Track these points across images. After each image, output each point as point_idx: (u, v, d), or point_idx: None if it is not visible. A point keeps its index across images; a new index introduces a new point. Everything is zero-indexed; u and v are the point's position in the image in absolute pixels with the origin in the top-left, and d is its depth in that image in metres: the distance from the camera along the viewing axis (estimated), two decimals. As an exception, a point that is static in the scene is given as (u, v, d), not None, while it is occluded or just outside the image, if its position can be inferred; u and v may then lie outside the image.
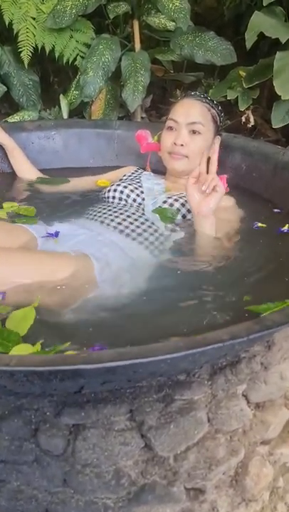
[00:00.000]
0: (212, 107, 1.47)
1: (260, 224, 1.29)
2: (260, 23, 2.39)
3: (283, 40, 2.36)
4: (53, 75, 3.26)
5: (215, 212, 1.27)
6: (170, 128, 1.45)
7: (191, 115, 1.42)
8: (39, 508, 0.79)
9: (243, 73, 2.68)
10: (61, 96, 2.80)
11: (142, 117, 2.93)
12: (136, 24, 2.72)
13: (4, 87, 2.63)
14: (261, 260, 1.13)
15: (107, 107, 2.89)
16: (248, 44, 2.41)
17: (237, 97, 2.54)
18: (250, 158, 1.53)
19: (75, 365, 0.63)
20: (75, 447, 0.78)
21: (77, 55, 2.70)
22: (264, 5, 2.43)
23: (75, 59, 2.70)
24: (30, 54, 2.53)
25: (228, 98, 2.55)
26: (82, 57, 2.70)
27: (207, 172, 1.25)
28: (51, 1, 2.68)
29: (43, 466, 0.78)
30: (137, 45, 2.76)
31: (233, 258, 1.16)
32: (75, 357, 0.65)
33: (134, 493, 0.78)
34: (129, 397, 0.80)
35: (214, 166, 1.24)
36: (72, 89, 2.84)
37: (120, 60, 2.67)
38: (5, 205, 1.33)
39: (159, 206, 1.37)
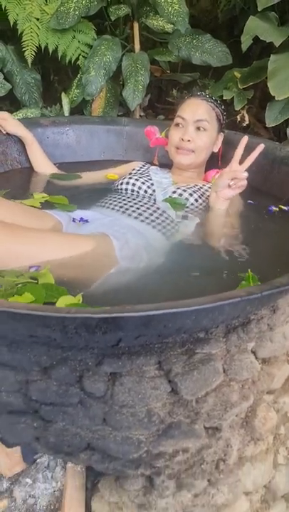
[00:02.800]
0: (216, 106, 1.66)
1: (275, 208, 1.51)
2: (255, 28, 2.58)
3: (277, 44, 2.55)
4: (53, 73, 3.42)
5: None
6: (178, 125, 1.63)
7: (198, 113, 1.60)
8: (82, 443, 0.96)
9: (238, 74, 2.88)
10: (63, 94, 2.96)
11: (140, 116, 3.11)
12: (136, 26, 2.90)
13: (9, 84, 2.78)
14: (254, 236, 1.34)
15: (107, 105, 3.06)
16: (244, 47, 2.60)
17: (233, 97, 2.73)
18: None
19: (123, 313, 0.81)
20: (113, 391, 0.95)
21: (80, 55, 2.86)
22: (259, 10, 2.62)
23: (77, 59, 2.86)
24: (34, 53, 2.69)
25: (224, 98, 2.74)
26: (84, 57, 2.86)
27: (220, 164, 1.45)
28: (54, 3, 2.84)
29: (86, 407, 0.95)
30: (137, 46, 2.94)
31: (238, 237, 1.35)
32: (122, 307, 0.82)
33: (163, 430, 0.96)
34: (158, 351, 0.98)
35: (247, 164, 1.42)
36: (74, 87, 3.00)
37: (121, 60, 2.84)
38: (36, 195, 1.50)
39: (169, 196, 1.55)
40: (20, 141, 1.76)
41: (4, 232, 1.13)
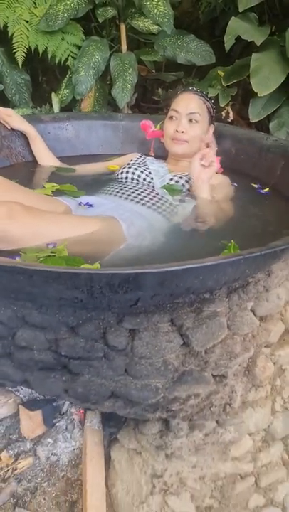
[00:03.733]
0: (207, 100, 1.84)
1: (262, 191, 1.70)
2: (237, 28, 2.77)
3: (258, 43, 2.75)
4: (42, 74, 3.58)
5: (215, 188, 1.64)
6: (172, 117, 1.81)
7: (190, 106, 1.78)
8: (106, 392, 1.12)
9: (221, 73, 3.07)
10: (53, 94, 3.11)
11: (127, 113, 3.27)
12: (123, 27, 3.07)
13: (1, 85, 2.93)
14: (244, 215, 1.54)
15: (96, 104, 3.23)
16: (227, 46, 2.79)
17: (217, 94, 2.92)
18: (238, 143, 1.91)
19: (145, 269, 0.97)
20: (133, 345, 1.11)
21: (69, 55, 3.02)
22: (239, 11, 2.81)
23: (66, 59, 3.01)
24: (24, 55, 2.84)
25: (209, 95, 2.93)
26: (73, 58, 3.01)
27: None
28: (43, 6, 3.00)
29: (110, 359, 1.11)
30: (124, 47, 3.11)
31: (230, 217, 1.54)
32: (142, 266, 0.98)
33: (177, 377, 1.12)
34: (170, 310, 1.14)
35: (214, 148, 1.61)
36: (63, 87, 3.15)
37: (109, 60, 3.01)
38: (46, 185, 1.65)
39: (167, 183, 1.72)
40: (23, 136, 1.91)
41: (25, 213, 1.29)
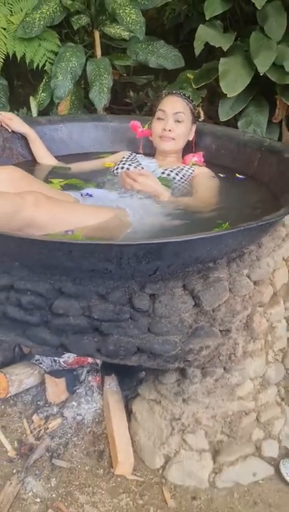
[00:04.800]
0: (189, 102, 2.13)
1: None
2: (205, 35, 3.08)
3: (225, 48, 3.06)
4: (16, 79, 3.79)
5: (199, 179, 1.95)
6: (159, 118, 2.08)
7: (176, 107, 2.06)
8: (133, 348, 1.37)
9: (190, 76, 3.37)
10: (31, 98, 3.34)
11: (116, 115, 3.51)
12: (97, 34, 3.33)
13: (-18, 90, 3.13)
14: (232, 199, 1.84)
15: (72, 107, 3.47)
16: (197, 52, 3.09)
17: (189, 96, 3.22)
18: (218, 139, 2.20)
19: (168, 239, 1.23)
20: (154, 307, 1.37)
21: (46, 61, 3.25)
22: (206, 19, 3.12)
23: (44, 65, 3.25)
24: (2, 61, 3.05)
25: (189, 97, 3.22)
26: (50, 63, 3.25)
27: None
28: (19, 14, 3.22)
29: (135, 320, 1.37)
30: (98, 53, 3.37)
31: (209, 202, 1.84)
32: (164, 237, 1.25)
33: (191, 332, 1.39)
34: (182, 277, 1.41)
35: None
36: (40, 91, 3.38)
37: (85, 65, 3.26)
38: (54, 180, 1.89)
39: (159, 176, 2.00)
40: (23, 138, 2.14)
41: (48, 202, 1.53)
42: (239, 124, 3.17)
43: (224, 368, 1.45)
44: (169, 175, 1.99)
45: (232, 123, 3.23)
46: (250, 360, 1.49)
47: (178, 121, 2.06)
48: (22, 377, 1.70)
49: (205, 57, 3.76)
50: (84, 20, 3.26)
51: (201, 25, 3.12)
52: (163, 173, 2.01)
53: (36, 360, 1.77)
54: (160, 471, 1.52)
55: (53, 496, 1.44)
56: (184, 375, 1.45)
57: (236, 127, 3.16)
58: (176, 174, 2.00)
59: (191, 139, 2.16)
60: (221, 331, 1.43)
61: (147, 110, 3.79)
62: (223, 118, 3.10)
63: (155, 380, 1.52)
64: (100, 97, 3.22)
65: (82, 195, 1.84)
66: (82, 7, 3.26)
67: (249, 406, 1.49)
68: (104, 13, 3.42)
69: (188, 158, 2.13)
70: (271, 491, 1.49)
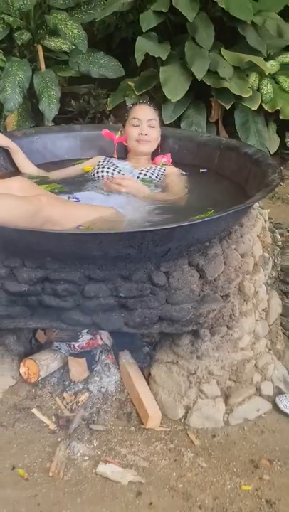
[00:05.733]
0: (156, 110, 2.50)
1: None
2: (144, 46, 3.47)
3: (164, 58, 3.48)
4: None
5: (170, 177, 2.33)
6: (134, 125, 2.43)
7: (148, 115, 2.42)
8: (155, 317, 1.71)
9: (131, 84, 3.75)
10: (-21, 112, 3.55)
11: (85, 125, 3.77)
12: (40, 48, 3.62)
13: None
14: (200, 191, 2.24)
15: (20, 119, 3.74)
16: (138, 62, 3.47)
17: (133, 102, 3.59)
18: (179, 141, 2.59)
19: (180, 223, 1.59)
20: (169, 281, 1.72)
21: (-7, 75, 3.47)
22: (143, 31, 3.51)
23: (-9, 79, 3.47)
24: None
25: (126, 103, 3.59)
26: (-3, 78, 3.48)
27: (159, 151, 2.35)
28: None
29: (155, 294, 1.71)
30: (42, 65, 3.66)
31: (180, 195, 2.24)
32: (174, 223, 1.60)
33: (200, 300, 1.75)
34: (187, 255, 1.77)
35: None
36: (-13, 105, 3.60)
37: (32, 78, 3.53)
38: (41, 186, 2.16)
39: (137, 177, 2.34)
40: (4, 151, 2.40)
41: (59, 202, 1.84)
42: (182, 125, 3.61)
43: (227, 326, 1.83)
44: (146, 175, 2.35)
45: (176, 125, 3.65)
46: (244, 319, 1.88)
47: (151, 127, 2.42)
48: (48, 362, 1.97)
49: (136, 66, 4.15)
50: (26, 35, 3.53)
51: (139, 37, 3.51)
52: (140, 173, 2.36)
53: (56, 347, 2.05)
54: (182, 420, 1.87)
55: (98, 453, 1.74)
56: (196, 336, 1.82)
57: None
58: (152, 173, 2.36)
59: (159, 141, 2.53)
60: (222, 296, 1.81)
61: (91, 117, 4.12)
62: (167, 121, 3.50)
63: (171, 344, 1.87)
64: (50, 107, 3.51)
65: (69, 198, 2.14)
66: (23, 23, 3.53)
67: (249, 354, 1.88)
68: (42, 27, 3.71)
69: (158, 159, 2.50)
70: (272, 421, 1.89)
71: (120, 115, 4.17)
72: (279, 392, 1.98)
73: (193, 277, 1.76)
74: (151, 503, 1.58)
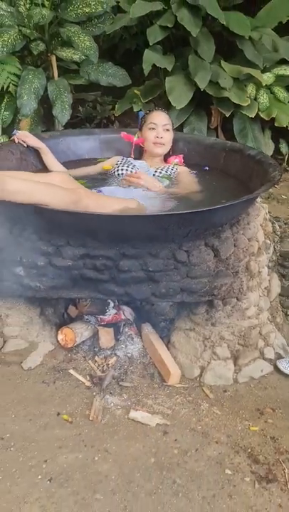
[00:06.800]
0: (169, 116, 2.94)
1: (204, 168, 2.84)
2: (151, 58, 3.92)
3: (170, 69, 3.92)
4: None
5: (182, 175, 2.76)
6: (151, 128, 2.86)
7: (164, 119, 2.86)
8: (178, 289, 2.12)
9: (137, 92, 4.19)
10: (-5, 116, 3.96)
11: (61, 129, 4.22)
12: (53, 58, 4.04)
13: None
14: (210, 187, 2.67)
15: (32, 124, 4.15)
16: (146, 72, 3.91)
17: (140, 109, 4.03)
18: (188, 144, 3.03)
19: (201, 209, 2.01)
20: (189, 259, 2.13)
21: (10, 83, 3.89)
22: (150, 44, 3.95)
23: (8, 86, 3.89)
24: None
25: (134, 110, 4.03)
26: (14, 85, 3.89)
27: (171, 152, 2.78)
28: (-18, 42, 3.84)
29: (178, 269, 2.12)
30: (55, 74, 4.08)
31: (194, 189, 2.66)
32: (196, 208, 2.03)
33: (214, 274, 2.17)
34: (204, 237, 2.19)
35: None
36: (3, 110, 4.02)
37: (46, 85, 3.95)
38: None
39: (153, 174, 2.77)
40: (35, 151, 2.81)
41: (93, 194, 2.25)
42: (185, 130, 4.05)
43: (237, 298, 2.26)
44: (161, 173, 2.78)
45: (179, 130, 4.09)
46: (251, 293, 2.31)
47: (166, 130, 2.86)
48: (82, 331, 2.37)
49: (139, 75, 4.60)
50: (41, 46, 3.95)
51: (146, 50, 3.95)
52: (155, 171, 2.79)
53: (86, 319, 2.46)
54: (198, 379, 2.28)
55: (128, 403, 2.14)
56: (211, 306, 2.24)
57: (182, 133, 3.99)
58: (166, 172, 2.79)
59: (172, 144, 2.97)
60: (232, 272, 2.23)
61: (97, 123, 4.56)
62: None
63: (189, 313, 2.29)
64: (63, 113, 3.93)
65: (97, 191, 2.56)
66: (38, 35, 3.96)
67: (255, 322, 2.31)
68: (55, 38, 4.14)
69: (171, 159, 2.94)
70: (274, 380, 2.32)
71: (124, 121, 4.63)
72: (279, 356, 2.41)
73: (209, 256, 2.18)
74: (176, 440, 1.98)
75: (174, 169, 2.83)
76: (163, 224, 2.02)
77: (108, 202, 2.31)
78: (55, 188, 2.13)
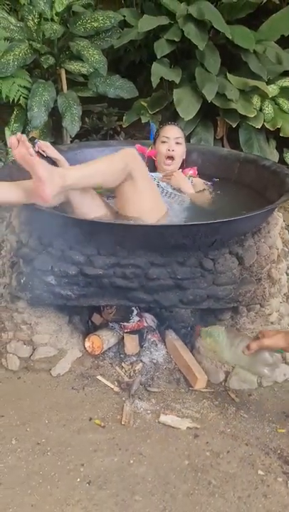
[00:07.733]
0: (182, 129, 3.04)
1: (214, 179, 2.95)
2: (159, 71, 4.02)
3: (177, 81, 4.03)
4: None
5: (197, 187, 2.86)
6: (164, 141, 2.95)
7: (176, 134, 2.95)
8: (204, 296, 2.20)
9: (144, 103, 4.30)
10: (6, 128, 4.06)
11: (70, 141, 4.32)
12: (63, 71, 4.14)
13: None
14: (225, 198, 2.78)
15: (42, 135, 4.23)
16: (154, 85, 4.01)
17: (148, 120, 4.13)
18: (203, 155, 3.13)
19: (227, 218, 2.10)
20: (215, 267, 2.22)
21: (20, 96, 3.98)
22: (158, 57, 4.06)
23: (19, 99, 3.98)
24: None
25: (142, 121, 4.13)
26: (24, 98, 3.98)
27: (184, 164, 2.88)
28: (-5, 55, 3.92)
29: (204, 277, 2.21)
30: (64, 87, 4.18)
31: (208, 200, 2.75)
32: (222, 219, 2.12)
33: (239, 282, 2.26)
34: (228, 246, 2.28)
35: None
36: (13, 122, 4.11)
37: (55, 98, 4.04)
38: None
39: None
40: (53, 162, 2.89)
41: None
42: (192, 141, 4.15)
43: (260, 304, 2.35)
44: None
45: (186, 141, 4.20)
46: (272, 299, 2.40)
47: (178, 144, 2.95)
48: (108, 338, 2.45)
49: (143, 87, 4.71)
50: (51, 60, 4.05)
51: (154, 63, 4.06)
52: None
53: (111, 327, 2.53)
54: (223, 384, 2.36)
55: (157, 408, 2.21)
56: (235, 312, 2.33)
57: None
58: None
59: (184, 157, 3.06)
60: (255, 279, 2.32)
61: (103, 134, 4.65)
62: (179, 137, 4.02)
63: (214, 319, 2.38)
64: (73, 125, 4.02)
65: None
66: (48, 49, 4.05)
67: (277, 328, 2.40)
68: (63, 52, 4.24)
69: (186, 171, 3.03)
70: (297, 384, 2.42)
71: (130, 132, 4.73)
72: (300, 361, 2.50)
73: (234, 263, 2.27)
74: (207, 442, 2.06)
75: (189, 181, 2.93)
76: (191, 233, 2.11)
77: (148, 191, 2.39)
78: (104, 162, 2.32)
